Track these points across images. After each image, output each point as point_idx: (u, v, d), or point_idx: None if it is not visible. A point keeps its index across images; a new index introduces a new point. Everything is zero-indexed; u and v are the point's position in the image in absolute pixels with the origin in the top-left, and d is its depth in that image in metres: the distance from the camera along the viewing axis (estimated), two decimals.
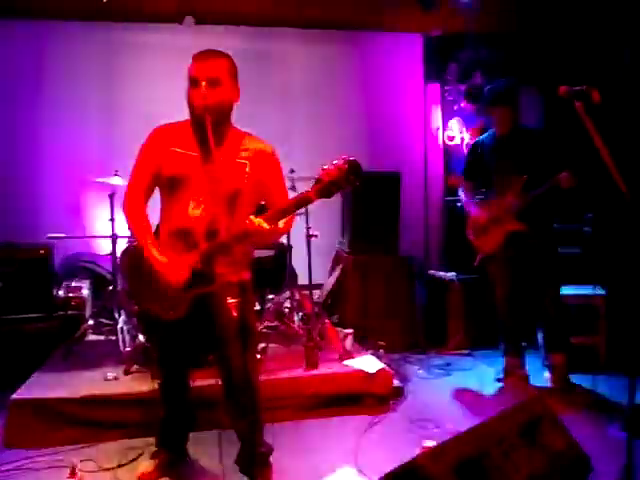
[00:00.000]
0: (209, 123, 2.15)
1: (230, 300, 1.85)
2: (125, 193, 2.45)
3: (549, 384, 3.78)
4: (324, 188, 2.06)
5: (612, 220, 4.19)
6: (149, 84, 5.06)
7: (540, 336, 4.09)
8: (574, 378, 3.75)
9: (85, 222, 4.48)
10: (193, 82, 2.26)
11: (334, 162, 2.05)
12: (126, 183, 2.53)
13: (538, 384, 3.82)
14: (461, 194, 4.01)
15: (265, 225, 2.13)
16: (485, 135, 3.88)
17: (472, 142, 3.94)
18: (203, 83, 2.23)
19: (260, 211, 2.25)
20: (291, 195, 4.20)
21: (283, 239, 4.33)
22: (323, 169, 2.06)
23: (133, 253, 2.46)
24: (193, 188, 2.30)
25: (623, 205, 2.17)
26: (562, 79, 2.65)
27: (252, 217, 2.14)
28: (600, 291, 4.17)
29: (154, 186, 2.42)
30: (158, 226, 2.45)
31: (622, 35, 4.64)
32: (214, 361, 2.56)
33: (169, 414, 2.68)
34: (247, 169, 2.36)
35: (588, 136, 2.37)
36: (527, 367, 3.92)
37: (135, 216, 2.39)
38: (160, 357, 2.64)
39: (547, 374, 3.83)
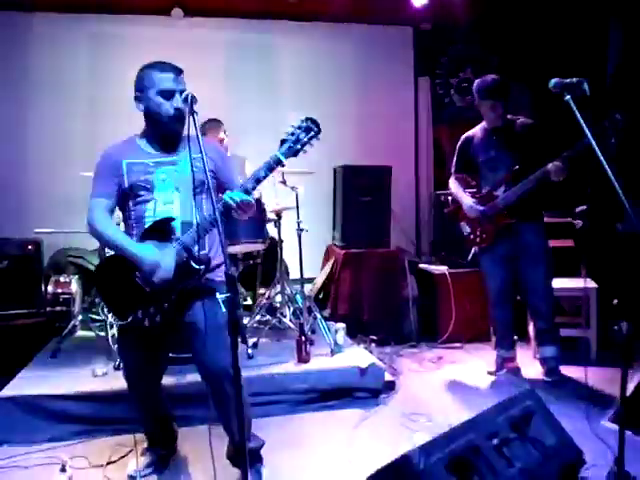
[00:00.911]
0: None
1: (218, 296, 1.84)
2: (88, 214, 2.40)
3: (541, 377, 3.79)
4: (290, 147, 2.27)
5: (604, 213, 4.20)
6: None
7: (531, 329, 4.10)
8: (566, 371, 3.75)
9: (73, 217, 4.42)
10: (166, 94, 2.32)
11: (293, 123, 2.29)
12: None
13: (530, 377, 3.83)
14: (452, 187, 3.99)
15: (244, 196, 2.22)
16: (476, 129, 3.87)
17: (463, 136, 3.92)
18: (178, 96, 2.30)
19: None
20: (282, 189, 4.23)
21: (274, 233, 4.30)
22: (286, 132, 2.28)
23: (107, 266, 2.48)
24: (160, 189, 2.36)
25: (614, 198, 2.17)
26: (551, 73, 2.64)
27: (229, 193, 2.24)
28: (592, 284, 4.18)
29: (115, 202, 2.42)
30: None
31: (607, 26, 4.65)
32: (196, 359, 2.53)
33: (148, 419, 2.69)
34: (204, 162, 2.37)
35: (578, 129, 2.36)
36: (518, 360, 3.93)
37: (106, 226, 2.38)
38: (132, 369, 2.59)
39: (539, 367, 3.84)
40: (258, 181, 2.28)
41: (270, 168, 2.28)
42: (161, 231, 2.33)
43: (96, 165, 2.44)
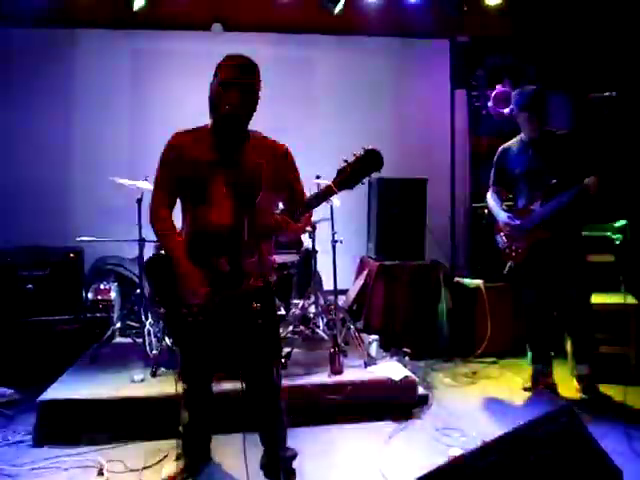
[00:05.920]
0: (237, 128, 2.20)
1: (255, 305, 1.86)
2: (151, 204, 2.46)
3: (578, 394, 3.71)
4: (346, 179, 2.14)
5: None
6: (179, 90, 5.13)
7: (568, 345, 4.02)
8: (604, 389, 3.67)
9: (113, 226, 4.54)
10: (228, 85, 2.25)
11: (354, 153, 2.13)
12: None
13: (566, 394, 3.75)
14: (489, 201, 3.97)
15: (291, 222, 2.21)
16: (513, 141, 3.85)
17: (499, 148, 3.90)
18: (239, 88, 2.25)
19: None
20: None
21: (308, 243, 4.33)
22: (344, 161, 2.14)
23: (160, 261, 2.49)
24: (214, 192, 2.34)
25: None
26: (591, 84, 2.62)
27: (278, 216, 2.22)
28: (631, 300, 4.08)
29: (178, 193, 2.44)
30: (181, 232, 2.48)
31: None
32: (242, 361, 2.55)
33: (192, 419, 2.70)
34: (264, 168, 2.36)
35: (618, 141, 2.33)
36: (555, 376, 3.85)
37: (164, 227, 2.42)
38: (185, 362, 2.65)
39: (575, 384, 3.76)
40: (308, 209, 2.26)
41: (322, 198, 2.22)
42: (209, 241, 2.32)
43: (162, 153, 2.43)
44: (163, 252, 2.48)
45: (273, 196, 2.47)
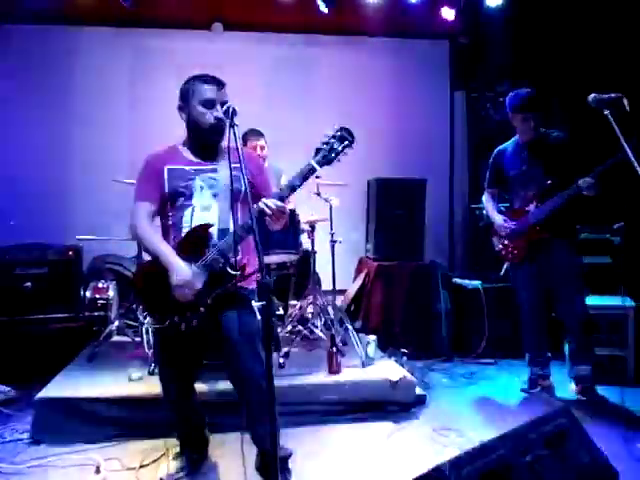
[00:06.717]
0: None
1: (254, 303, 1.87)
2: (133, 217, 2.48)
3: (575, 396, 3.71)
4: (325, 156, 2.31)
5: None
6: (179, 89, 5.14)
7: (566, 347, 4.03)
8: (601, 391, 3.67)
9: (112, 224, 4.54)
10: (208, 103, 2.41)
11: (326, 132, 2.34)
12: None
13: (564, 396, 3.76)
14: (484, 203, 3.98)
15: (279, 203, 2.27)
16: (508, 142, 3.85)
17: (495, 150, 3.90)
18: (219, 106, 2.38)
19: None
20: (316, 201, 4.25)
21: (308, 244, 4.34)
22: (320, 141, 2.33)
23: (147, 270, 2.52)
24: (196, 195, 2.43)
25: None
26: (591, 87, 2.61)
27: (264, 199, 2.28)
28: (629, 302, 4.09)
29: (158, 207, 2.48)
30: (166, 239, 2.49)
31: None
32: (228, 366, 2.54)
33: (180, 421, 2.72)
34: (242, 171, 2.41)
35: (614, 144, 2.34)
36: (553, 378, 3.86)
37: (147, 231, 2.45)
38: (168, 371, 2.63)
39: (573, 386, 3.77)
40: (293, 189, 2.32)
41: (304, 177, 2.32)
42: (198, 241, 2.37)
43: (139, 170, 2.52)
44: (146, 260, 2.50)
45: (251, 194, 2.51)
